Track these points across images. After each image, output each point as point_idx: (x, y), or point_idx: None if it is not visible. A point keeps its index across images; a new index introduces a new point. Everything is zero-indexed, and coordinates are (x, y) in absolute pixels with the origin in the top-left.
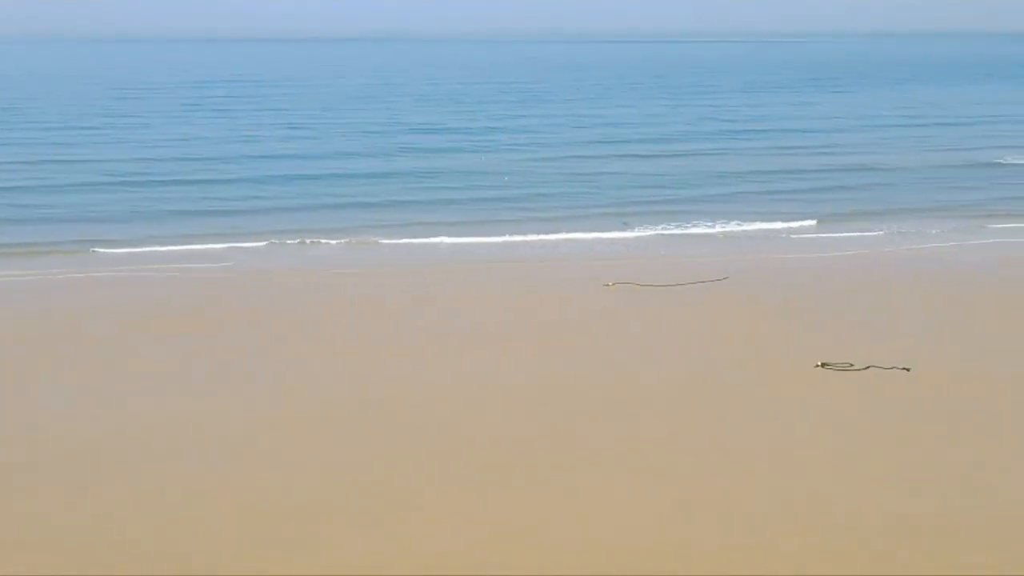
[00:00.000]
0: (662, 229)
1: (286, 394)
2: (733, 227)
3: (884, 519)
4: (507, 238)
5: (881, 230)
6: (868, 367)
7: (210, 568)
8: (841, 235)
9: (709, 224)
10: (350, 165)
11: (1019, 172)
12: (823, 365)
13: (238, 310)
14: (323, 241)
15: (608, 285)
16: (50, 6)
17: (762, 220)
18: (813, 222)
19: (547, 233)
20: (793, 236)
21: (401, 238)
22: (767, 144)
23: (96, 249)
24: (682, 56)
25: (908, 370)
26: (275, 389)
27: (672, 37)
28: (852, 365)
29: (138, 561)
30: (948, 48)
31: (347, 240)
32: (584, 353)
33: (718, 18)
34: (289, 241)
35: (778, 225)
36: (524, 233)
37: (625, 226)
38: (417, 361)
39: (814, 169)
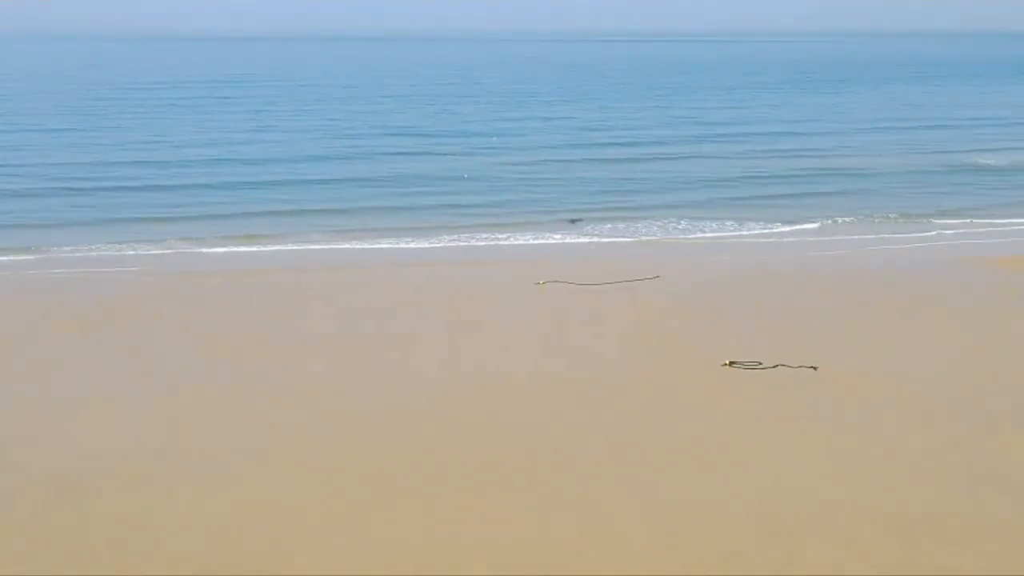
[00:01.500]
0: (610, 230)
1: (194, 392)
2: (683, 228)
3: (786, 516)
4: (446, 243)
5: (825, 233)
6: (776, 366)
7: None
8: (785, 239)
9: (659, 225)
10: (305, 169)
11: (981, 175)
12: (731, 364)
13: (147, 312)
14: (214, 250)
15: (539, 284)
16: (46, 4)
17: (717, 223)
18: (775, 227)
19: (494, 235)
20: (739, 239)
21: (331, 243)
22: (736, 147)
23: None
24: (676, 55)
25: (815, 368)
26: (180, 386)
27: (674, 36)
28: (760, 364)
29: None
30: (945, 48)
31: (277, 247)
32: (493, 349)
33: (724, 17)
34: (204, 250)
35: (729, 229)
36: (466, 237)
37: (573, 226)
38: (328, 361)
39: (781, 174)
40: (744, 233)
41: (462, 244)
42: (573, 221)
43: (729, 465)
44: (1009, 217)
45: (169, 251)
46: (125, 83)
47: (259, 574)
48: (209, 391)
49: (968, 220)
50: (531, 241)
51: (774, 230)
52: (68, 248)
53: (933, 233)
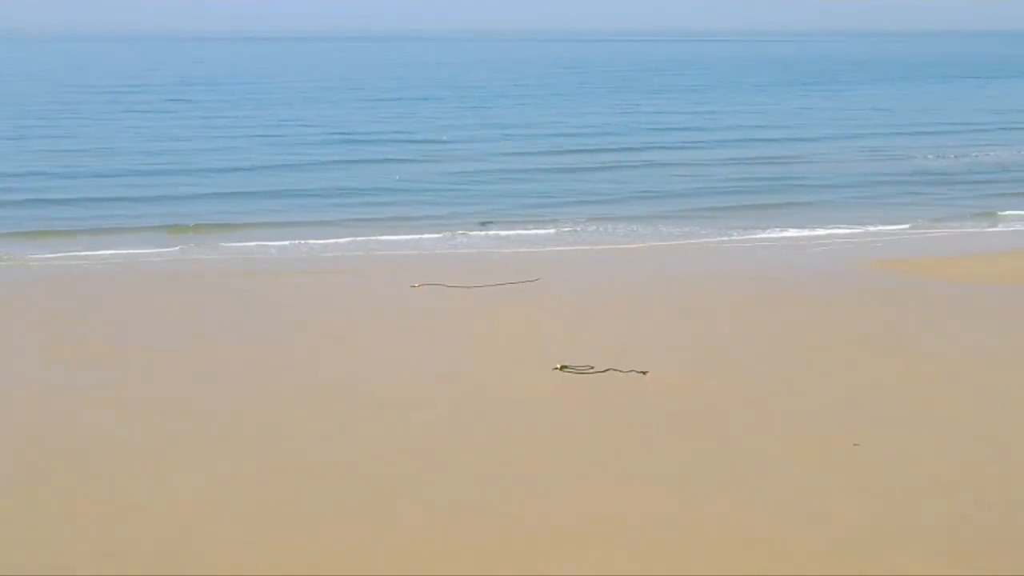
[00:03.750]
0: (516, 235)
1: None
2: (589, 229)
3: (609, 518)
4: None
5: (718, 236)
6: (607, 370)
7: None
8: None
9: (568, 227)
10: (236, 181)
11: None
12: (562, 368)
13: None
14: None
15: (415, 287)
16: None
17: (630, 230)
18: (687, 229)
19: (392, 238)
20: (651, 246)
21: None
22: (692, 154)
23: None
24: (669, 54)
25: (645, 373)
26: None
27: (678, 35)
28: (592, 367)
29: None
30: (941, 47)
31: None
32: (348, 353)
33: (733, 17)
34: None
35: (642, 237)
36: (361, 243)
37: (483, 229)
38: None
39: (722, 182)
40: (658, 243)
41: (341, 251)
42: (483, 224)
43: (540, 469)
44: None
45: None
46: (90, 85)
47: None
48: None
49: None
50: (420, 245)
51: (674, 242)
52: None
53: (823, 233)
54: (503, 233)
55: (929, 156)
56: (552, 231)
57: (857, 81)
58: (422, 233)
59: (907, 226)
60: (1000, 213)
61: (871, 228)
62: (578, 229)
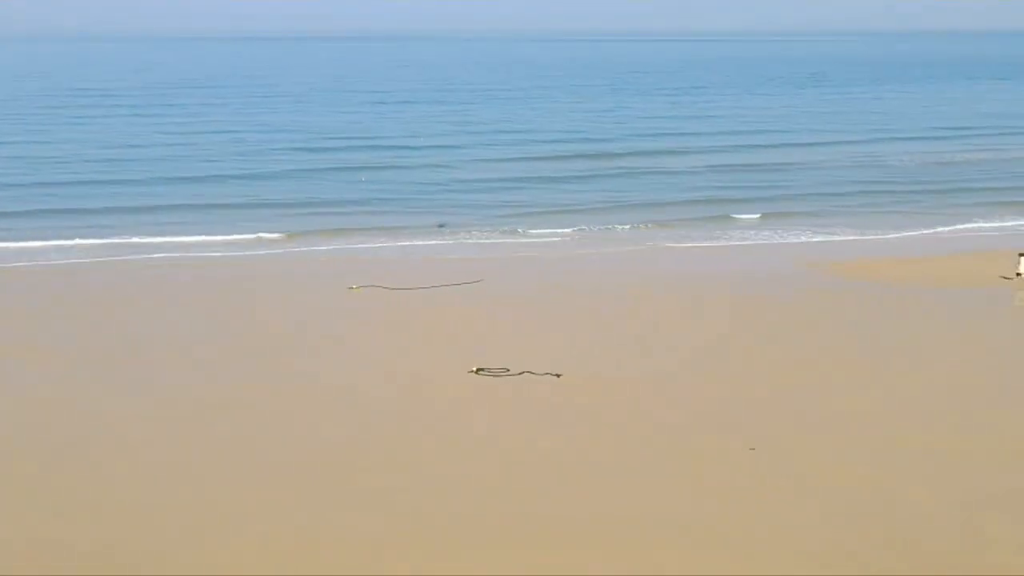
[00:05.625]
0: (473, 236)
1: None
2: (547, 234)
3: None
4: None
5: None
6: (522, 372)
7: None
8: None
9: (520, 230)
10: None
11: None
12: (478, 371)
13: None
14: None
15: (352, 289)
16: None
17: (574, 227)
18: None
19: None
20: (613, 250)
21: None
22: (676, 159)
23: None
24: (657, 54)
25: (559, 376)
26: None
27: (684, 35)
28: (508, 370)
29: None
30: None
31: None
32: (280, 356)
33: (740, 17)
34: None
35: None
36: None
37: (439, 231)
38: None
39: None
40: (614, 249)
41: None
42: (440, 226)
43: (448, 469)
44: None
45: None
46: (63, 88)
47: None
48: None
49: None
50: (378, 245)
51: (625, 248)
52: None
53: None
54: (458, 238)
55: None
56: (510, 238)
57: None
58: (369, 237)
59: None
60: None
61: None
62: (537, 234)
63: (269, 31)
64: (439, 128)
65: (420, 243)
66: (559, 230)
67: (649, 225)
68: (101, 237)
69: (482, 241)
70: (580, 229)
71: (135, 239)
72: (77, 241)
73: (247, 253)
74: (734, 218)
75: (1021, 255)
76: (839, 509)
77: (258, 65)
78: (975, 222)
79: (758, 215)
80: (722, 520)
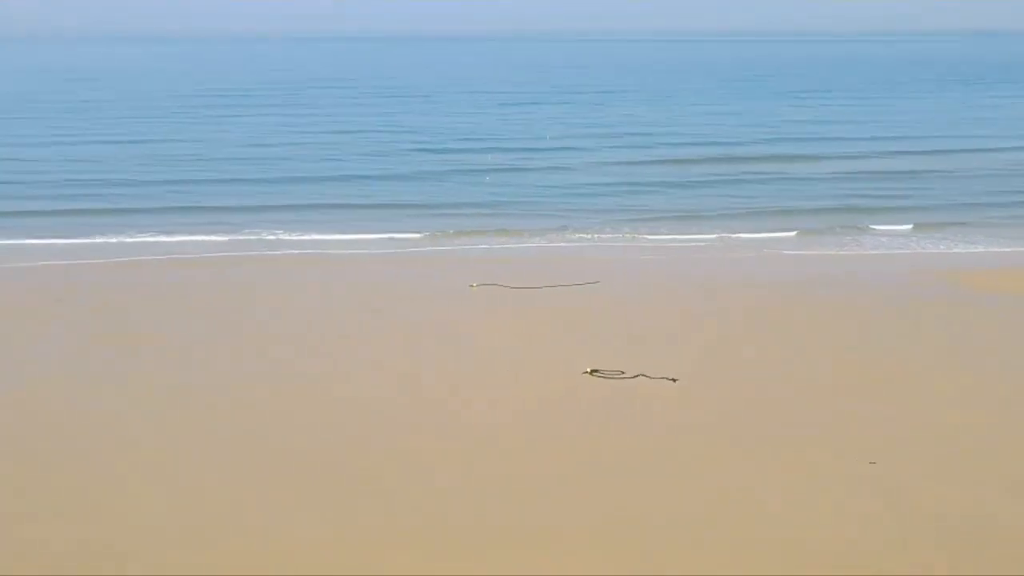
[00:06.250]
0: (595, 236)
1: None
2: (659, 236)
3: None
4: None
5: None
6: (637, 375)
7: None
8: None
9: (640, 234)
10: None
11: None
12: (592, 372)
13: None
14: None
15: (472, 287)
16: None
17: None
18: (743, 235)
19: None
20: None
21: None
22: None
23: None
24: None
25: (675, 380)
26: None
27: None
28: (623, 373)
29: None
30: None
31: None
32: (404, 350)
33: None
34: None
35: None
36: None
37: (563, 231)
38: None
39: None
40: (742, 255)
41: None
42: (563, 228)
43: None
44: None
45: None
46: (197, 88)
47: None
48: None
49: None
50: (496, 245)
51: (747, 253)
52: None
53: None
54: (579, 239)
55: None
56: (629, 241)
57: None
58: (487, 238)
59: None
60: None
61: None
62: (656, 238)
63: (342, 31)
64: (562, 130)
65: (540, 244)
66: (680, 236)
67: (775, 232)
68: (229, 234)
69: (602, 243)
70: (703, 235)
71: (267, 236)
72: (212, 237)
73: (375, 252)
74: (870, 228)
75: None
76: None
77: (372, 65)
78: None
79: (902, 225)
80: (832, 538)
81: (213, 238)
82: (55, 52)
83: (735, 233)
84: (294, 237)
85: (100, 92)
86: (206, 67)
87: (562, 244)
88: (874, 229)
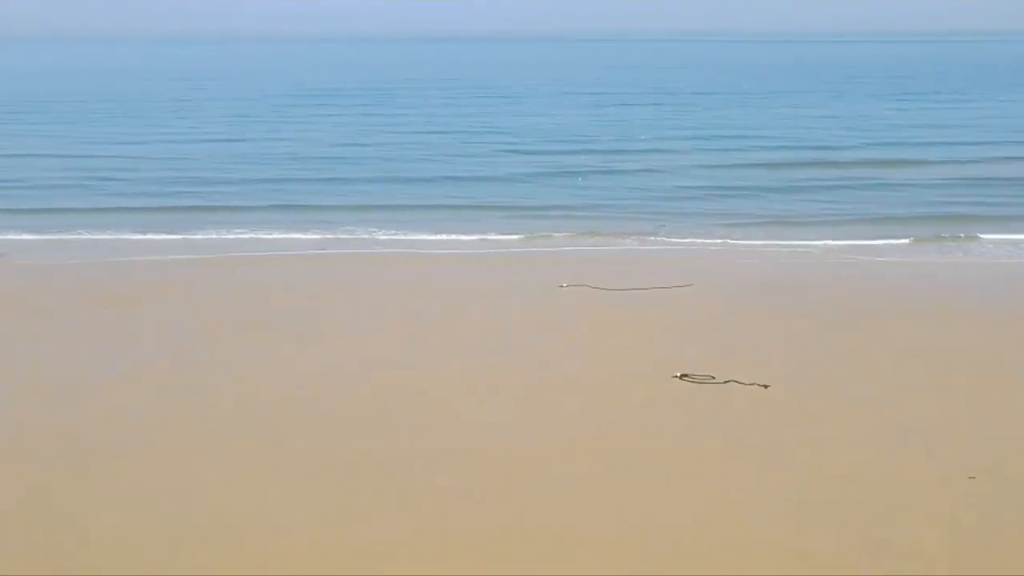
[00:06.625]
0: (688, 239)
1: None
2: (751, 242)
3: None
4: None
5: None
6: (728, 381)
7: None
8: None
9: (734, 238)
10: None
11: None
12: (682, 376)
13: None
14: None
15: (563, 287)
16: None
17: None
18: (834, 242)
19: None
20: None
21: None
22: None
23: None
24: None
25: (767, 387)
26: None
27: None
28: (713, 378)
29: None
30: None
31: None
32: (491, 347)
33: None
34: None
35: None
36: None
37: (656, 231)
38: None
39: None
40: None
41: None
42: (660, 227)
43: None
44: None
45: None
46: (286, 88)
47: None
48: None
49: None
50: (592, 248)
51: (842, 257)
52: None
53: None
54: (672, 243)
55: None
56: (722, 245)
57: None
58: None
59: None
60: None
61: None
62: (749, 244)
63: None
64: (655, 131)
65: (632, 246)
66: (774, 242)
67: (874, 239)
68: (325, 231)
69: (695, 247)
70: (799, 241)
71: (363, 234)
72: (310, 235)
73: (466, 252)
74: (977, 236)
75: None
76: None
77: (450, 66)
78: None
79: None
80: (920, 540)
81: (309, 236)
82: (118, 52)
83: (833, 240)
84: (387, 236)
85: (199, 92)
86: (286, 67)
87: (653, 247)
88: (981, 238)
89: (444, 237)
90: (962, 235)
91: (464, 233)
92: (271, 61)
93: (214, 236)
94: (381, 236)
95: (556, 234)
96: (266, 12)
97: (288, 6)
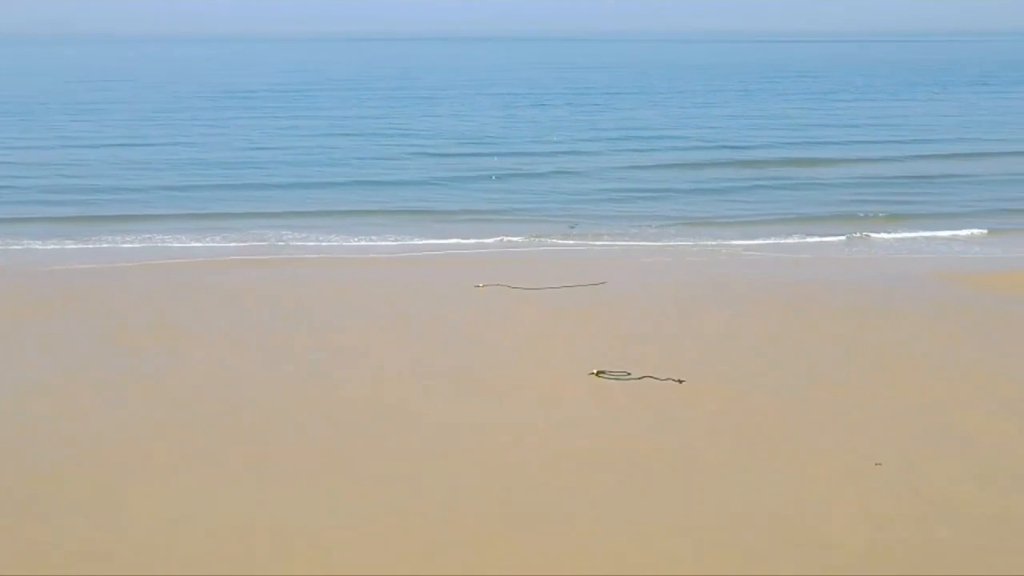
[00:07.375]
0: (602, 238)
1: None
2: (664, 243)
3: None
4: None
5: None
6: (644, 377)
7: None
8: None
9: (647, 239)
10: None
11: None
12: (598, 373)
13: None
14: None
15: (478, 287)
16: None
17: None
18: (762, 240)
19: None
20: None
21: None
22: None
23: None
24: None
25: (682, 382)
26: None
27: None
28: (630, 374)
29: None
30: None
31: None
32: (386, 351)
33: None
34: None
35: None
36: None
37: (570, 231)
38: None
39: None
40: (753, 254)
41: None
42: (571, 227)
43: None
44: None
45: None
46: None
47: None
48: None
49: None
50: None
51: (756, 254)
52: None
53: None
54: (586, 241)
55: None
56: (638, 240)
57: None
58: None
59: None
60: None
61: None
62: (661, 244)
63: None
64: (567, 133)
65: (546, 247)
66: (686, 242)
67: (790, 235)
68: (235, 239)
69: (609, 245)
70: (714, 240)
71: (275, 240)
72: (218, 241)
73: (382, 255)
74: (880, 234)
75: None
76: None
77: (383, 66)
78: None
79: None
80: (837, 528)
81: (219, 244)
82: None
83: (742, 240)
84: (301, 243)
85: (107, 94)
86: (209, 69)
87: (566, 246)
88: (884, 236)
89: (357, 243)
90: (864, 233)
91: (378, 238)
92: (195, 63)
93: (114, 244)
94: (294, 242)
95: (471, 238)
96: (205, 12)
97: (226, 6)
